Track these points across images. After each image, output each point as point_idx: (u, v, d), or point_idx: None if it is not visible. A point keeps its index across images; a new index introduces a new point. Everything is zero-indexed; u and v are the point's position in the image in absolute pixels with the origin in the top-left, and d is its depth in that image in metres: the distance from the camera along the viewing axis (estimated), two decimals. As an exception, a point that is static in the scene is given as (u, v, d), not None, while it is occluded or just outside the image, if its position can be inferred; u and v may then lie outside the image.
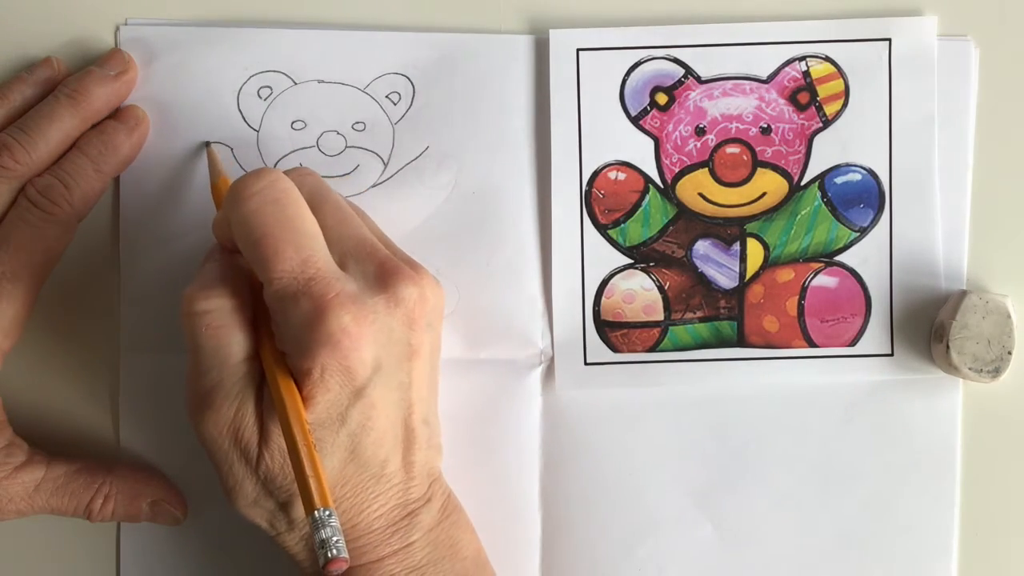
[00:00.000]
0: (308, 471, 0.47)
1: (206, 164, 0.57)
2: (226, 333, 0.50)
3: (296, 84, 0.58)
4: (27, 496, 0.55)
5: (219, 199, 0.55)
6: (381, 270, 0.50)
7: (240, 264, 0.52)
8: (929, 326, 0.58)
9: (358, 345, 0.48)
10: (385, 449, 0.50)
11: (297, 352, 0.49)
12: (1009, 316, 0.56)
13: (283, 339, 0.50)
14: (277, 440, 0.49)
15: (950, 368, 0.57)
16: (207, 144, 0.57)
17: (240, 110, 0.58)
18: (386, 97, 0.58)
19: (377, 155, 0.58)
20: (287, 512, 0.51)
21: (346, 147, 0.58)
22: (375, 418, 0.50)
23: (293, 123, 0.58)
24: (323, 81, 0.58)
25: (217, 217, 0.52)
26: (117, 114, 0.57)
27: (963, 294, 0.57)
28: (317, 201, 0.51)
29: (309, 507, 0.46)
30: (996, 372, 0.56)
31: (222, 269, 0.51)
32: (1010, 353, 0.56)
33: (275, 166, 0.58)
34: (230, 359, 0.50)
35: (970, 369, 0.56)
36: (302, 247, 0.49)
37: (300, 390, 0.49)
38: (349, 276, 0.50)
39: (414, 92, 0.58)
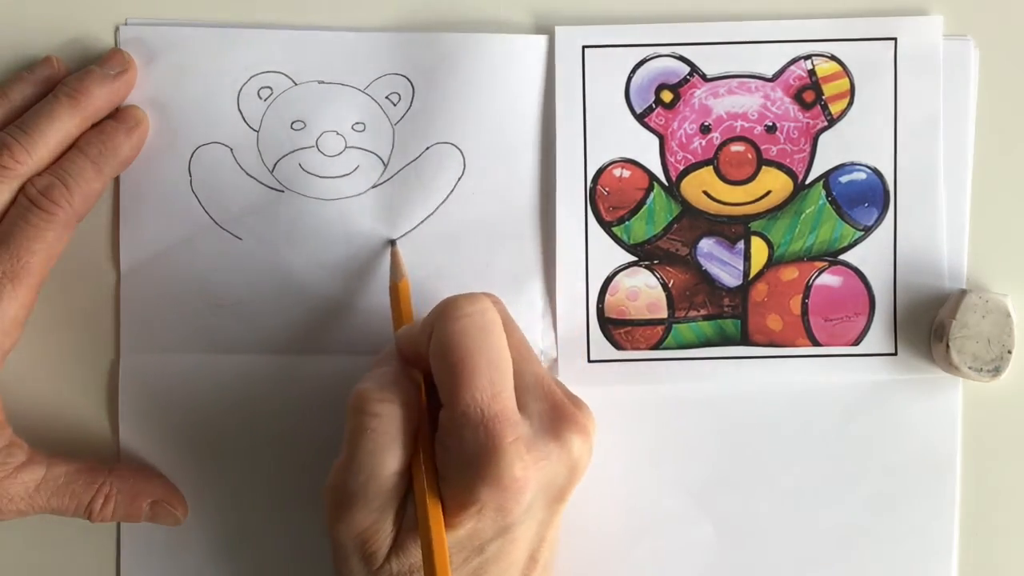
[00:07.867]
0: None
1: (207, 168, 0.57)
2: (388, 442, 0.50)
3: (296, 84, 0.58)
4: (27, 496, 0.54)
5: (396, 300, 0.55)
6: (556, 413, 0.51)
7: (414, 376, 0.52)
8: (931, 326, 0.58)
9: (523, 491, 0.49)
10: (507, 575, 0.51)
11: (459, 479, 0.49)
12: (1009, 315, 0.56)
13: (446, 461, 0.50)
14: (408, 557, 0.50)
15: (950, 367, 0.57)
16: (392, 243, 0.58)
17: (240, 110, 0.57)
18: (386, 97, 0.58)
19: (377, 155, 0.58)
20: None
21: (346, 147, 0.58)
22: (511, 552, 0.51)
23: (293, 123, 0.58)
24: (323, 81, 0.58)
25: (409, 328, 0.52)
26: (117, 114, 0.57)
27: (963, 293, 0.57)
28: (507, 332, 0.51)
29: None
30: (996, 372, 0.56)
31: (398, 376, 0.51)
32: (1010, 352, 0.56)
33: (275, 166, 0.58)
34: (383, 469, 0.50)
35: (970, 368, 0.56)
36: (495, 381, 0.49)
37: (451, 513, 0.49)
38: (525, 417, 0.50)
39: (414, 92, 0.58)
